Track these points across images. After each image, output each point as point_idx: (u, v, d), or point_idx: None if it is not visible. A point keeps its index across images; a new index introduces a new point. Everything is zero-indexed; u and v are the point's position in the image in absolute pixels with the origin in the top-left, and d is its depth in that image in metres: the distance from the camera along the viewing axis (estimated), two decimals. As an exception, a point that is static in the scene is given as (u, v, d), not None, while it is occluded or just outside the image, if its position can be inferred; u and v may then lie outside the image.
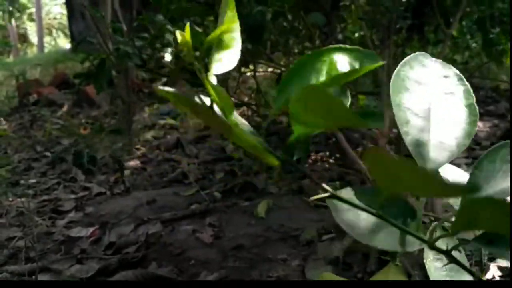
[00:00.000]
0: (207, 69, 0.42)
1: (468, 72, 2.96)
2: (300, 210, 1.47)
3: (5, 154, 2.50)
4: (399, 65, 0.45)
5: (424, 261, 0.45)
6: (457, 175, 0.49)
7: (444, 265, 0.45)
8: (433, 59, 0.47)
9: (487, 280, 0.95)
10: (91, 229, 1.46)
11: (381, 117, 0.33)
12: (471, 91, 0.45)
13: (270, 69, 2.61)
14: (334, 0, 1.40)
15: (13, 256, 1.33)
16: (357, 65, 0.40)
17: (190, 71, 1.57)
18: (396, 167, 0.30)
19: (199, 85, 1.68)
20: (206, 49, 0.42)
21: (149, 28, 1.58)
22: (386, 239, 0.38)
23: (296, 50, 1.88)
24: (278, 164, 0.39)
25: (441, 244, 0.39)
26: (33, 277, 1.19)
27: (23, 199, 1.78)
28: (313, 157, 1.94)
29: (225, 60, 0.42)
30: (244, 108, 2.11)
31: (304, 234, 1.30)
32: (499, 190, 0.39)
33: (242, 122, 0.41)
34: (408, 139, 0.42)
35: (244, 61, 1.85)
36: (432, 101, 0.44)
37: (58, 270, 1.22)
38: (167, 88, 0.37)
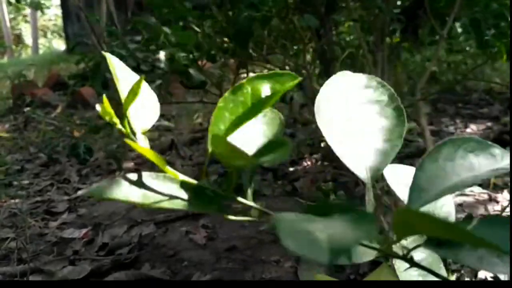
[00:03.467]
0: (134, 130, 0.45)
1: (461, 74, 2.97)
2: (293, 212, 1.47)
3: (-2, 155, 2.49)
4: (322, 88, 0.46)
5: (393, 262, 0.45)
6: (406, 174, 0.50)
7: (406, 269, 0.46)
8: (354, 74, 0.48)
9: (480, 280, 0.96)
10: (84, 231, 1.46)
11: (286, 149, 0.36)
12: (395, 94, 0.46)
13: (265, 71, 2.62)
14: (329, 2, 1.40)
15: (5, 257, 1.32)
16: (279, 87, 0.41)
17: (185, 73, 1.57)
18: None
19: (193, 87, 1.69)
20: (127, 115, 0.44)
21: (143, 30, 1.58)
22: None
23: (291, 53, 1.89)
24: (213, 211, 0.42)
25: (408, 243, 0.39)
26: (25, 278, 1.18)
27: (16, 200, 1.77)
28: (307, 159, 1.94)
29: (145, 118, 0.46)
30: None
31: (297, 235, 1.30)
32: (444, 188, 0.40)
33: (176, 173, 0.44)
34: (345, 158, 0.42)
35: (240, 62, 1.85)
36: (360, 112, 0.45)
37: (51, 271, 1.22)
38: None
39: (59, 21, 13.73)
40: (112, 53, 1.52)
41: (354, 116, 0.45)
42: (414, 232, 0.34)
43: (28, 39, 16.23)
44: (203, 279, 1.14)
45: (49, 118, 3.38)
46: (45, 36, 17.35)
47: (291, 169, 1.86)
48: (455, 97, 2.83)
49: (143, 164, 2.19)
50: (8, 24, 14.60)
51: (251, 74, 1.94)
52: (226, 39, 1.60)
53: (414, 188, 0.40)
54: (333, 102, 0.45)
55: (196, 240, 1.33)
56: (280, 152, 0.37)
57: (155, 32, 1.51)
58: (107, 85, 1.88)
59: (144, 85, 0.45)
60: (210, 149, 0.41)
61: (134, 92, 0.41)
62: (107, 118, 0.42)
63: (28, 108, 3.71)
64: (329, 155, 1.83)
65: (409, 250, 0.38)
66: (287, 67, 1.81)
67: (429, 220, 0.29)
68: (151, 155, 0.42)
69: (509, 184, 1.47)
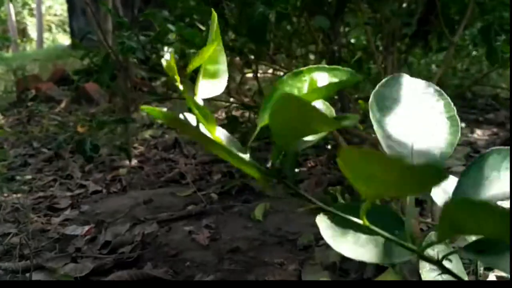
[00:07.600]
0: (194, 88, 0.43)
1: (468, 79, 2.96)
2: (297, 214, 1.46)
3: (2, 149, 2.48)
4: (377, 86, 0.46)
5: (420, 271, 0.45)
6: (448, 181, 0.49)
7: (437, 275, 0.46)
8: (412, 78, 0.48)
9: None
10: (86, 228, 1.45)
11: (354, 119, 0.37)
12: (452, 104, 0.46)
13: (270, 71, 2.61)
14: (339, 5, 1.39)
15: (7, 253, 1.32)
16: (336, 82, 0.42)
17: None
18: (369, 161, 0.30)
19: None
20: (192, 71, 0.43)
21: (152, 26, 1.57)
22: (373, 251, 0.37)
23: (297, 54, 1.88)
24: (259, 178, 0.40)
25: (435, 253, 0.39)
26: (27, 275, 1.18)
27: (18, 195, 1.77)
28: (312, 161, 1.93)
29: (211, 88, 0.44)
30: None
31: (301, 238, 1.29)
32: (488, 197, 0.39)
33: (227, 137, 0.43)
34: (391, 154, 0.42)
35: (246, 61, 1.84)
36: (413, 114, 0.45)
37: (53, 268, 1.21)
38: (153, 108, 0.38)
39: (65, 16, 13.74)
40: (122, 44, 1.51)
41: (407, 116, 0.45)
42: (462, 229, 0.32)
43: (33, 33, 16.24)
44: (205, 280, 1.14)
45: (53, 113, 3.37)
46: (50, 30, 17.36)
47: (295, 170, 1.85)
48: (460, 101, 2.82)
49: (146, 161, 2.18)
50: (13, 18, 14.61)
51: (259, 74, 1.93)
52: (234, 36, 1.58)
53: (458, 194, 0.40)
54: (388, 102, 0.45)
55: (199, 240, 1.33)
56: (350, 119, 0.38)
57: (161, 29, 1.50)
58: (114, 79, 1.87)
59: (219, 54, 0.44)
60: (261, 121, 0.40)
61: (204, 52, 0.40)
62: (170, 73, 0.40)
63: (32, 103, 3.70)
64: (335, 157, 1.81)
65: (446, 255, 0.38)
66: (293, 68, 1.80)
67: (492, 211, 0.26)
68: (205, 115, 0.40)
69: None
